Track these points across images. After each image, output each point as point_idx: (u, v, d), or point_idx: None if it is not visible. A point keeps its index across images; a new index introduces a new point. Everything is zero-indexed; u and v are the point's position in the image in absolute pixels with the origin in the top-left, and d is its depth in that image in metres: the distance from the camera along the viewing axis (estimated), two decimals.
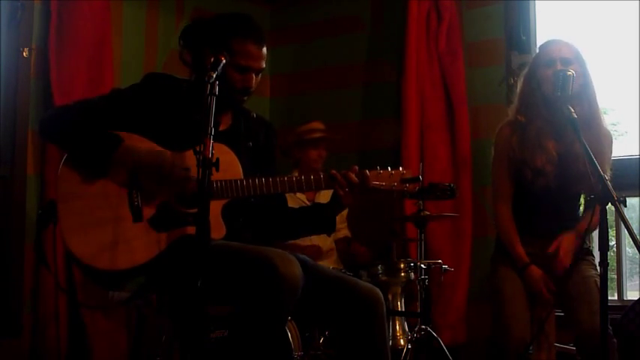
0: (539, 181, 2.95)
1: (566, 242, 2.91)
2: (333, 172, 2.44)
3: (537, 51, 3.11)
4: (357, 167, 2.45)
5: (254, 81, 2.49)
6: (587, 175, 2.85)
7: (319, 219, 2.59)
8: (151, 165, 2.36)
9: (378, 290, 2.48)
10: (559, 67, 2.89)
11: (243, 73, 2.46)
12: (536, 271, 2.92)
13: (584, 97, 2.95)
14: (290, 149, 4.08)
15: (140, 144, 2.40)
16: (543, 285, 2.90)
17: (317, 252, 3.87)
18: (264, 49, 2.50)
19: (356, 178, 2.42)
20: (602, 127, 2.98)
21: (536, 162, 2.94)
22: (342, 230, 4.20)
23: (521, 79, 3.10)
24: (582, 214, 3.04)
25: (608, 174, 2.91)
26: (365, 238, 4.16)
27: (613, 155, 3.07)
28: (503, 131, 3.09)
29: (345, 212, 4.16)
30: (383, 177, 2.45)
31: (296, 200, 3.76)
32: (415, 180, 2.46)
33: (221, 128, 2.52)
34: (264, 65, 2.51)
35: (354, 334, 2.42)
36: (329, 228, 2.61)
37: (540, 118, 2.96)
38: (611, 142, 3.05)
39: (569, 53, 2.96)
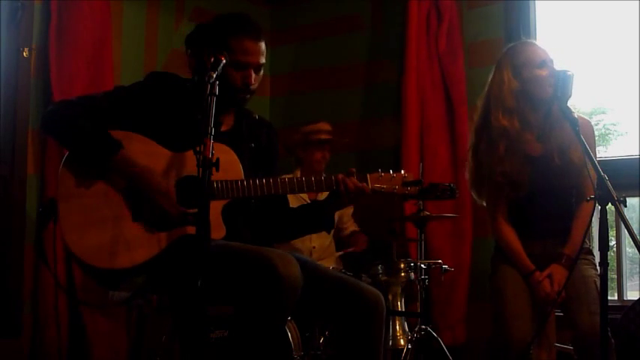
0: (519, 191, 2.95)
1: (557, 275, 2.89)
2: (334, 176, 2.44)
3: (512, 52, 3.05)
4: (354, 170, 2.46)
5: (254, 77, 2.49)
6: (563, 169, 2.87)
7: (318, 217, 2.59)
8: (141, 185, 2.36)
9: (379, 293, 2.48)
10: (552, 68, 2.91)
11: (243, 69, 2.46)
12: (541, 276, 2.91)
13: None
14: (294, 148, 4.08)
15: (139, 149, 2.39)
16: (550, 289, 2.88)
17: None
18: (263, 45, 2.50)
19: (358, 183, 2.42)
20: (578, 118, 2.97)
21: (514, 175, 2.93)
22: (350, 227, 4.22)
23: (496, 81, 3.01)
24: (571, 227, 2.96)
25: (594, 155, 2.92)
26: (370, 232, 4.17)
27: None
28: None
29: (350, 210, 4.19)
30: (384, 180, 2.46)
31: (298, 199, 3.76)
32: (417, 183, 2.48)
33: (223, 129, 2.52)
34: (263, 61, 2.51)
35: (353, 335, 2.42)
36: (328, 225, 2.60)
37: (522, 121, 2.95)
38: (592, 129, 3.04)
39: (551, 57, 2.98)
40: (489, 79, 3.08)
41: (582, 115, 3.05)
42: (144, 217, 2.37)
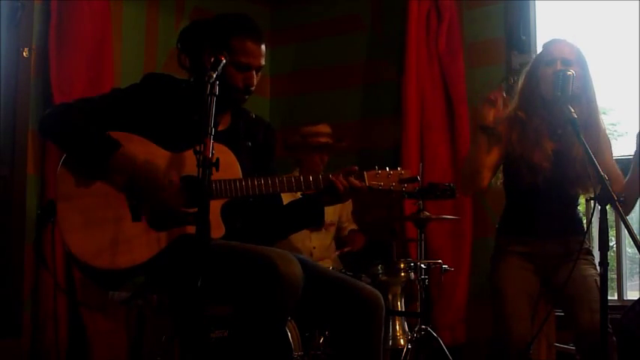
0: (535, 178, 2.94)
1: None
2: (333, 175, 2.44)
3: (541, 49, 3.10)
4: (356, 167, 2.46)
5: (255, 79, 2.50)
6: (583, 177, 2.87)
7: (307, 212, 2.57)
8: (143, 179, 2.35)
9: (379, 294, 2.47)
10: (559, 66, 2.90)
11: (244, 71, 2.47)
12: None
13: (584, 98, 2.95)
14: (294, 149, 4.08)
15: (137, 149, 2.39)
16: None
17: None
18: (263, 46, 2.51)
19: (354, 182, 2.42)
20: (600, 128, 2.98)
21: (534, 159, 2.94)
22: (349, 227, 4.21)
23: (522, 76, 3.09)
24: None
25: (617, 168, 2.94)
26: (370, 232, 4.17)
27: (613, 155, 3.07)
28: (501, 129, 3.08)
29: (350, 209, 4.18)
30: (381, 177, 2.45)
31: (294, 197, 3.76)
32: (413, 180, 2.46)
33: (220, 128, 2.52)
34: (263, 62, 2.52)
35: (352, 335, 2.41)
36: (317, 221, 2.59)
37: (538, 116, 2.97)
38: (610, 142, 3.05)
39: (570, 54, 2.96)
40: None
41: (605, 129, 3.06)
42: (144, 216, 2.37)
